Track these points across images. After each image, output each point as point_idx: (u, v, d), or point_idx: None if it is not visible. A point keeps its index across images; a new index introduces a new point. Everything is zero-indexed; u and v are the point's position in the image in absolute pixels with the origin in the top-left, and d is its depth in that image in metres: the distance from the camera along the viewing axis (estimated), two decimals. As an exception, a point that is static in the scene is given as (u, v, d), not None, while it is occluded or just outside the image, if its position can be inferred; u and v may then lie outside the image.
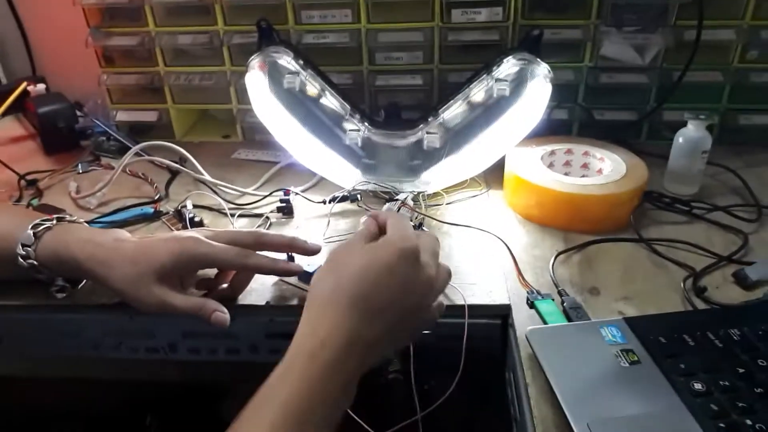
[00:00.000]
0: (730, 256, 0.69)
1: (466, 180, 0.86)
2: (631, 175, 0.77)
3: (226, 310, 0.60)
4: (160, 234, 0.73)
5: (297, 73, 0.85)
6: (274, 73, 0.86)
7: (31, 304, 0.66)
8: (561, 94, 0.89)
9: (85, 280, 0.67)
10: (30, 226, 0.61)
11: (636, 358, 0.52)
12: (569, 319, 0.59)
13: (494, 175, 0.86)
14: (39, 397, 0.91)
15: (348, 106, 0.87)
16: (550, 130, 0.88)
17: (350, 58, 0.96)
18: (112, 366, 0.77)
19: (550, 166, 0.84)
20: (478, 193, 0.86)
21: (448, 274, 0.56)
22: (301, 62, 0.86)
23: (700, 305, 0.62)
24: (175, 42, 0.97)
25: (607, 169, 0.81)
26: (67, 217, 0.65)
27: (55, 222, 0.63)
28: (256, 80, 0.85)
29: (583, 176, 0.85)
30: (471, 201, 0.84)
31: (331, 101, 0.87)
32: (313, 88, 0.86)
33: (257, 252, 0.63)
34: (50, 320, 0.68)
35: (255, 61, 0.85)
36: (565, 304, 0.60)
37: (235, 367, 0.72)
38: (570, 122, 0.99)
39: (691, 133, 0.81)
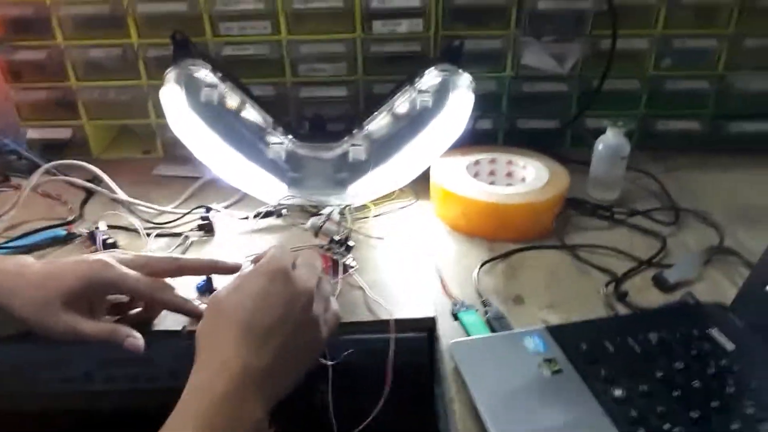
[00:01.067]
0: (650, 260, 0.70)
1: (395, 191, 0.85)
2: (553, 183, 0.78)
3: (139, 335, 0.57)
4: (68, 257, 0.69)
5: (215, 86, 0.82)
6: (191, 87, 0.82)
7: None
8: (484, 103, 0.89)
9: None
10: None
11: (558, 368, 0.52)
12: (493, 330, 0.58)
13: (423, 185, 0.85)
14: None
15: (270, 119, 0.84)
16: (475, 140, 0.88)
17: (272, 70, 0.94)
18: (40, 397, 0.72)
19: (476, 175, 0.84)
20: (407, 204, 0.85)
21: (331, 285, 0.58)
22: (220, 75, 0.83)
23: (622, 310, 0.63)
24: (87, 55, 0.93)
25: (529, 177, 0.81)
26: None
27: None
28: (171, 94, 0.82)
29: (508, 185, 0.86)
30: (399, 213, 0.83)
31: (252, 114, 0.84)
32: (232, 101, 0.83)
33: (171, 283, 0.61)
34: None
35: (170, 75, 0.82)
36: (488, 315, 0.60)
37: (157, 394, 0.68)
38: (494, 132, 0.99)
39: (610, 140, 0.82)
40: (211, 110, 0.82)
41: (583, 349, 0.54)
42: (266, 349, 0.48)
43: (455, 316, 0.60)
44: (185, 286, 0.66)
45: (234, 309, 0.50)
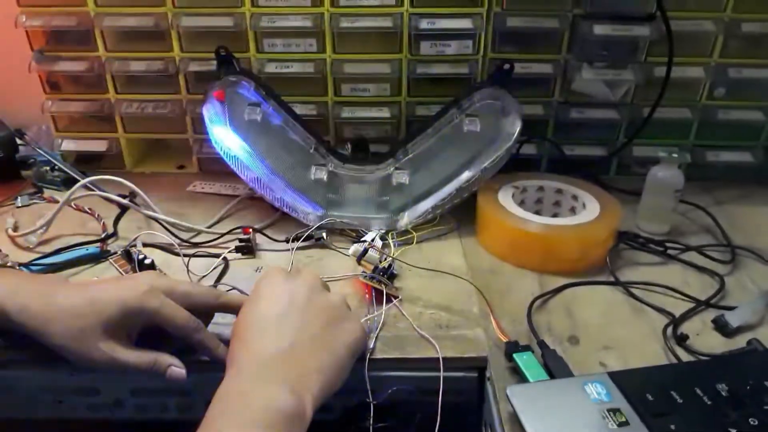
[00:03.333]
0: (708, 301, 0.67)
1: (437, 217, 0.83)
2: (605, 215, 0.75)
3: (181, 364, 0.55)
4: (107, 279, 0.67)
5: (258, 104, 0.81)
6: (234, 103, 0.81)
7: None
8: (530, 129, 0.86)
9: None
10: None
11: (624, 419, 0.49)
12: (550, 374, 0.55)
13: (465, 212, 0.83)
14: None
15: (313, 139, 0.83)
16: (517, 166, 0.86)
17: (315, 89, 0.92)
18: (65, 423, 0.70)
19: (521, 203, 0.81)
20: (449, 231, 0.82)
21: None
22: (263, 92, 0.82)
23: (683, 354, 0.59)
24: (128, 68, 0.91)
25: (579, 207, 0.78)
26: None
27: None
28: (214, 110, 0.80)
29: (554, 214, 0.83)
30: (442, 241, 0.81)
31: (295, 134, 0.82)
32: (275, 119, 0.82)
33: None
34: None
35: (213, 91, 0.81)
36: (545, 357, 0.57)
37: (188, 425, 0.66)
38: (538, 157, 0.97)
39: (664, 171, 0.79)
40: (253, 128, 0.81)
41: (650, 399, 0.51)
42: (282, 333, 0.49)
43: (509, 357, 0.57)
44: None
45: (244, 320, 0.52)
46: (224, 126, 0.79)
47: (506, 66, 0.81)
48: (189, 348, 0.57)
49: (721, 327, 0.63)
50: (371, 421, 0.59)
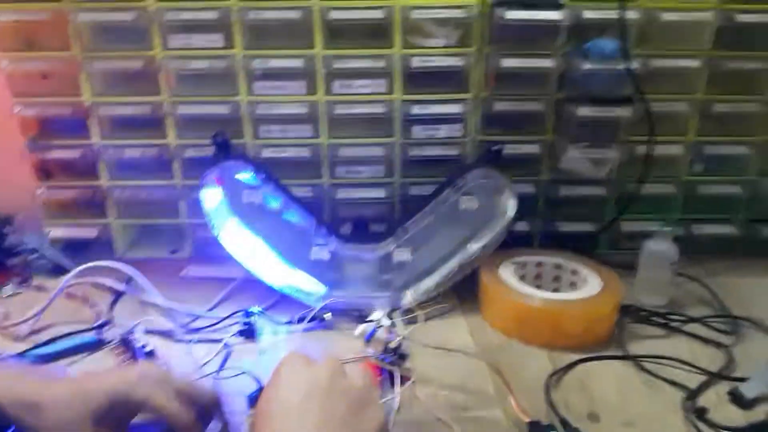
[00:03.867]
0: (720, 373, 0.67)
1: (440, 296, 0.82)
2: (608, 289, 0.76)
3: None
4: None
5: (257, 188, 0.81)
6: (232, 188, 0.81)
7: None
8: (521, 206, 0.88)
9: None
10: None
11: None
12: (578, 453, 0.54)
13: (465, 290, 0.83)
14: None
15: (313, 220, 0.83)
16: (510, 243, 0.87)
17: (310, 172, 0.93)
18: None
19: (522, 278, 0.81)
20: (451, 308, 0.82)
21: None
22: (262, 176, 0.82)
23: (705, 429, 0.59)
24: (122, 155, 0.91)
25: (580, 282, 0.79)
26: None
27: None
28: (213, 196, 0.81)
29: (555, 290, 0.84)
30: (447, 319, 0.80)
31: (294, 215, 0.83)
32: (275, 202, 0.82)
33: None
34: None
35: (212, 176, 0.81)
36: (570, 436, 0.56)
37: None
38: (530, 235, 0.98)
39: (658, 245, 0.81)
40: (252, 211, 0.81)
41: (684, 475, 0.50)
42: (305, 420, 0.46)
43: (534, 437, 0.56)
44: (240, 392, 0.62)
45: (265, 405, 0.48)
46: (223, 211, 0.79)
47: (496, 147, 0.84)
48: None
49: (738, 399, 0.63)
50: None
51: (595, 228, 0.98)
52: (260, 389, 0.62)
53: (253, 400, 0.62)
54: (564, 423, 0.58)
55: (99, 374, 0.55)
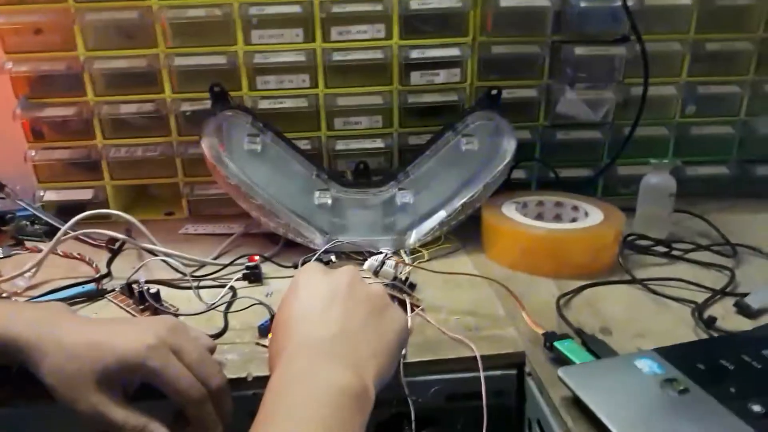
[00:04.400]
0: (724, 289, 0.69)
1: (441, 238, 0.82)
2: (609, 219, 0.77)
3: None
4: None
5: (257, 135, 0.81)
6: (232, 135, 0.81)
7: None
8: (518, 152, 0.88)
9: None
10: None
11: (683, 387, 0.48)
12: (596, 356, 0.54)
13: (468, 231, 0.83)
14: None
15: (314, 167, 0.83)
16: (508, 189, 0.87)
17: (308, 124, 0.92)
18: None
19: (524, 216, 0.82)
20: (455, 249, 0.82)
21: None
22: (260, 125, 0.82)
23: (717, 335, 0.60)
24: (117, 112, 0.90)
25: (582, 216, 0.80)
26: None
27: None
28: (212, 144, 0.80)
29: (557, 227, 0.84)
30: (451, 258, 0.80)
31: (295, 162, 0.82)
32: (275, 149, 0.82)
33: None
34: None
35: (211, 126, 0.80)
36: (587, 342, 0.56)
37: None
38: (528, 180, 0.99)
39: (657, 177, 0.82)
40: (252, 160, 0.81)
41: (702, 368, 0.50)
42: (328, 319, 0.47)
43: (550, 347, 0.56)
44: (248, 326, 0.62)
45: (286, 312, 0.49)
46: (224, 160, 0.79)
47: (494, 91, 0.84)
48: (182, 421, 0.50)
49: (743, 309, 0.64)
50: (413, 423, 0.56)
51: (591, 173, 0.98)
52: (271, 317, 0.62)
53: (265, 329, 0.61)
54: (579, 332, 0.58)
55: (114, 327, 0.51)
